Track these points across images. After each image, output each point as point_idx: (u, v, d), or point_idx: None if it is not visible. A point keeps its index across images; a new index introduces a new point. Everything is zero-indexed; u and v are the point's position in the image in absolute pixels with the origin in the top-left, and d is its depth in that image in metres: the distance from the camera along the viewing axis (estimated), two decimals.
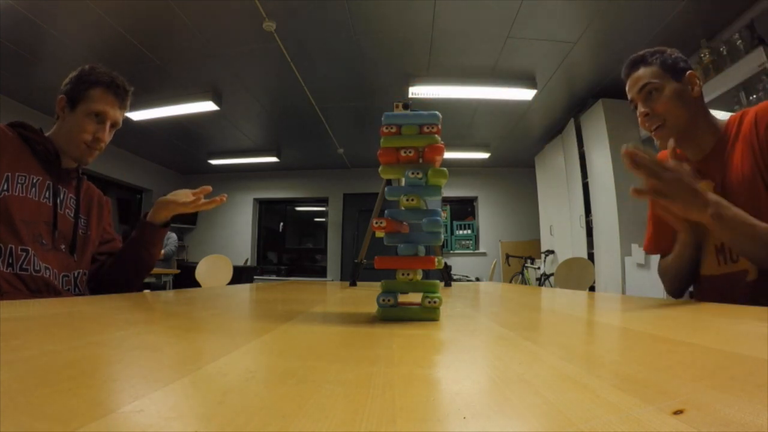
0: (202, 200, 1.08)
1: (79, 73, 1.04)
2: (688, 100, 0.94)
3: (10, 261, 0.87)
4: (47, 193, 0.98)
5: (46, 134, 1.02)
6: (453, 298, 0.95)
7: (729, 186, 0.90)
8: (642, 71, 0.97)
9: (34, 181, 0.96)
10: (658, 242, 1.10)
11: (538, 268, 5.30)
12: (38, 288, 0.91)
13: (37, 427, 0.15)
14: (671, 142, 0.88)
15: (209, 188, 1.10)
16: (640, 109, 0.97)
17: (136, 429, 0.16)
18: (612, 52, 3.16)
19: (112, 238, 1.19)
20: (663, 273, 1.06)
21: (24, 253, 0.90)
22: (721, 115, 0.99)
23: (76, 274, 1.02)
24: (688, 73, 0.95)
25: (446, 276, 1.65)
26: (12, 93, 3.80)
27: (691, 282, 1.03)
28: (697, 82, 0.95)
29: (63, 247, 1.00)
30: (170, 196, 1.09)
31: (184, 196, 1.09)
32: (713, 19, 2.73)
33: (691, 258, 0.97)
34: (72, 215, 1.05)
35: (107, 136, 1.05)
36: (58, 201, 1.01)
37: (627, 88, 1.02)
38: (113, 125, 1.07)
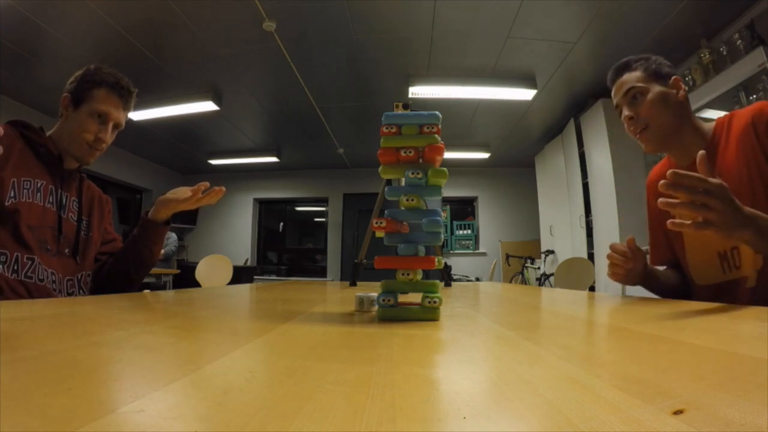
0: (201, 194, 1.08)
1: (85, 72, 1.03)
2: (673, 103, 0.94)
3: (15, 268, 0.87)
4: (51, 198, 0.99)
5: (48, 133, 1.02)
6: (453, 298, 0.95)
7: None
8: (626, 76, 0.98)
9: (39, 185, 0.96)
10: (659, 254, 1.11)
11: (538, 268, 5.30)
12: (40, 297, 0.91)
13: (37, 427, 0.15)
14: (701, 154, 0.73)
15: (207, 184, 1.09)
16: (625, 113, 0.98)
17: (136, 429, 0.16)
18: (612, 52, 3.16)
19: (114, 238, 1.20)
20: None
21: (30, 262, 0.90)
22: (720, 116, 0.98)
23: (79, 277, 1.03)
24: (673, 77, 0.96)
25: (446, 276, 1.65)
26: (12, 93, 3.80)
27: (687, 290, 1.03)
28: (682, 86, 0.95)
29: (67, 251, 1.00)
30: (170, 194, 1.10)
31: (183, 193, 1.09)
32: (713, 19, 2.73)
33: (655, 286, 1.02)
34: (75, 219, 1.05)
35: (109, 137, 1.05)
36: (62, 205, 1.01)
37: (612, 94, 1.03)
38: (116, 126, 1.06)
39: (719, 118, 0.95)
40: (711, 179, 0.64)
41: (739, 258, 0.87)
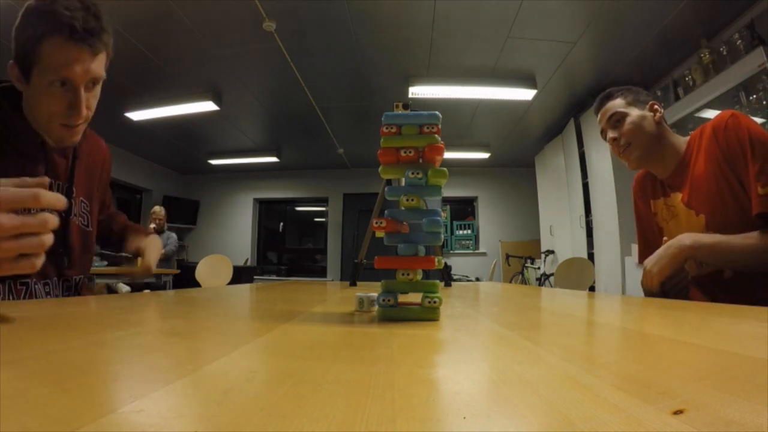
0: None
1: (22, 18, 0.69)
2: (650, 124, 1.06)
3: (11, 297, 0.76)
4: None
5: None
6: (453, 298, 0.95)
7: (696, 196, 1.00)
8: (610, 104, 1.12)
9: None
10: (647, 252, 1.17)
11: (538, 268, 5.30)
12: None
13: (37, 427, 0.15)
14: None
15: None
16: (610, 135, 1.11)
17: (136, 429, 0.16)
18: (612, 52, 3.16)
19: (109, 217, 1.10)
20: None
21: (24, 287, 0.77)
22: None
23: (77, 280, 0.91)
24: (650, 102, 1.09)
25: (446, 276, 1.65)
26: None
27: None
28: (658, 109, 1.08)
29: (62, 249, 0.85)
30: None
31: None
32: (713, 19, 2.73)
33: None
34: (65, 213, 0.85)
35: (85, 105, 0.74)
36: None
37: (598, 121, 1.17)
38: (94, 81, 0.75)
39: (693, 132, 1.06)
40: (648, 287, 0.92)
41: (722, 267, 0.97)
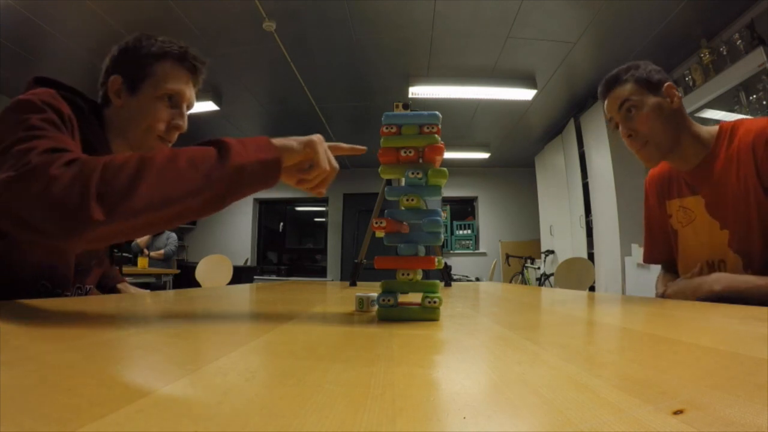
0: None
1: (137, 44, 0.81)
2: (669, 113, 0.92)
3: None
4: None
5: None
6: (453, 298, 0.95)
7: (722, 200, 0.91)
8: (618, 90, 0.96)
9: None
10: (654, 252, 1.13)
11: (538, 268, 5.30)
12: None
13: (37, 427, 0.15)
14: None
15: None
16: (622, 129, 0.96)
17: (136, 429, 0.16)
18: (612, 52, 3.16)
19: None
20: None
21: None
22: (720, 115, 1.01)
23: (88, 289, 0.92)
24: (665, 85, 0.93)
25: (446, 276, 1.65)
26: (12, 93, 3.80)
27: None
28: (675, 93, 0.93)
29: (86, 264, 0.88)
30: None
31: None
32: (713, 19, 2.73)
33: None
34: None
35: (186, 123, 0.85)
36: None
37: (605, 108, 1.00)
38: (188, 107, 0.86)
39: (723, 124, 0.93)
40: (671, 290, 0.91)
41: (725, 269, 0.92)
